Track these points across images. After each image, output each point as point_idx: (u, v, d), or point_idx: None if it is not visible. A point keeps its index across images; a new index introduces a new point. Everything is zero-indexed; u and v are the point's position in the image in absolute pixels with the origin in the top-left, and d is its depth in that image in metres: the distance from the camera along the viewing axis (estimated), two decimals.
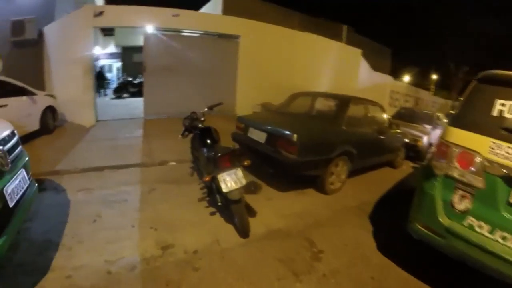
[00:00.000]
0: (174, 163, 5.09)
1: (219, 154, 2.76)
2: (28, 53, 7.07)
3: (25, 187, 2.44)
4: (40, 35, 6.98)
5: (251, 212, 3.18)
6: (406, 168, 6.63)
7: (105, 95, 15.04)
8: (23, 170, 2.49)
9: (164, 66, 7.58)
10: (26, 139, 5.59)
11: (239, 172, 2.75)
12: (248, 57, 8.20)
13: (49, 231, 2.88)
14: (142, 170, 4.71)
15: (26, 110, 5.55)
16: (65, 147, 5.57)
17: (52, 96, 6.57)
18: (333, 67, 9.47)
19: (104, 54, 19.40)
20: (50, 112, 6.36)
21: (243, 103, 8.32)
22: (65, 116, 7.50)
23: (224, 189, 2.65)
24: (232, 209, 2.79)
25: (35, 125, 5.85)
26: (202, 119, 3.73)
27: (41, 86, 7.40)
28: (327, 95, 5.46)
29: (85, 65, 6.83)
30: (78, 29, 6.70)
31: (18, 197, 2.28)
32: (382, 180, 5.35)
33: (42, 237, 2.76)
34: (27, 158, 2.69)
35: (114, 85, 15.24)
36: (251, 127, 4.38)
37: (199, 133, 3.47)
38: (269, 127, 4.09)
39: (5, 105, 4.93)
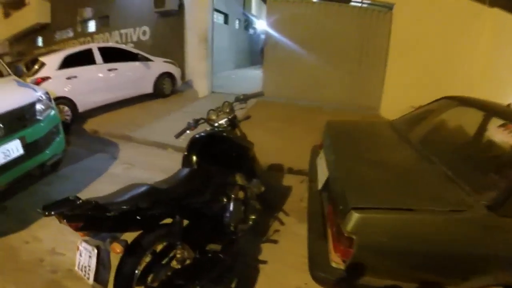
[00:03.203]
0: None
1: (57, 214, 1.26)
2: (171, 23, 8.33)
3: (14, 156, 2.85)
4: (181, 6, 7.99)
5: None
6: None
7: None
8: (18, 140, 2.90)
9: (291, 39, 7.10)
10: (140, 99, 6.86)
11: (93, 256, 1.39)
12: (405, 36, 6.40)
13: (61, 192, 3.33)
14: None
15: (138, 74, 6.57)
16: (161, 113, 6.25)
17: (171, 63, 7.46)
18: None
19: None
20: (167, 77, 7.28)
21: (393, 100, 6.52)
22: (192, 83, 8.41)
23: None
24: None
25: (148, 89, 6.91)
26: (229, 116, 2.40)
27: (182, 54, 8.52)
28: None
29: (201, 35, 7.40)
30: None
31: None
32: None
33: (48, 195, 3.33)
34: (30, 130, 3.06)
35: None
36: (325, 148, 2.67)
37: (193, 141, 2.15)
38: (333, 165, 2.22)
39: (116, 69, 6.01)
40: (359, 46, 6.71)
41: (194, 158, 1.99)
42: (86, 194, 3.32)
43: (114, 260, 1.47)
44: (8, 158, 2.78)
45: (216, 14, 10.79)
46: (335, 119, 3.23)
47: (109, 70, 5.92)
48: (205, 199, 1.91)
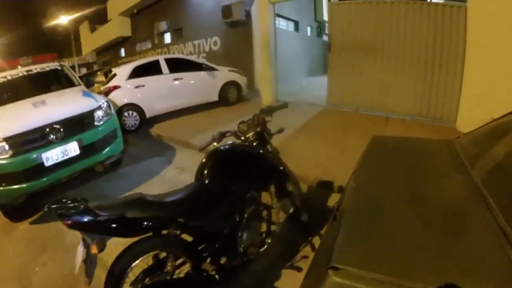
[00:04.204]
0: None
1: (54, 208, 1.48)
2: (239, 32, 8.71)
3: (71, 155, 3.33)
4: (248, 15, 8.22)
5: None
6: None
7: None
8: (75, 142, 3.35)
9: (356, 44, 6.65)
10: (206, 106, 7.18)
11: (81, 251, 1.57)
12: (487, 34, 5.26)
13: (115, 189, 3.73)
14: None
15: (202, 83, 6.91)
16: (223, 121, 6.40)
17: (237, 71, 7.67)
18: None
19: None
20: (233, 86, 7.50)
21: (473, 112, 5.30)
22: (260, 91, 8.49)
23: None
24: None
25: (213, 97, 7.19)
26: (257, 129, 2.21)
27: (251, 62, 8.70)
28: None
29: (264, 42, 7.38)
30: (259, 6, 7.21)
31: (58, 160, 3.23)
32: None
33: (104, 190, 3.80)
34: (87, 134, 3.50)
35: None
36: (357, 171, 2.00)
37: (210, 154, 2.05)
38: (349, 196, 1.67)
39: (181, 78, 6.45)
40: (431, 48, 5.88)
41: (206, 172, 1.90)
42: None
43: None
44: (66, 157, 3.26)
45: (286, 22, 10.79)
46: (382, 135, 2.66)
47: (175, 79, 6.36)
48: (209, 217, 1.80)
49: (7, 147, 3.01)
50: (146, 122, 6.22)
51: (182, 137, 5.49)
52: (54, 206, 1.46)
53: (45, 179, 3.13)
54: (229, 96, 7.42)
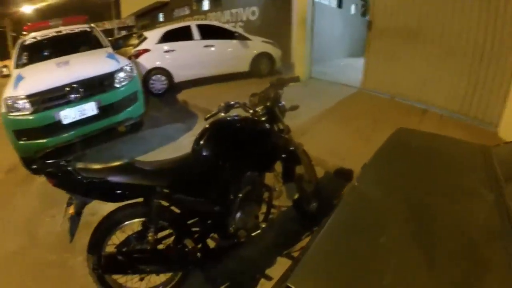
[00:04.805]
0: None
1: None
2: (278, 4, 8.40)
3: (88, 115, 3.37)
4: None
5: None
6: None
7: None
8: (94, 102, 3.38)
9: (398, 26, 6.03)
10: (237, 77, 6.92)
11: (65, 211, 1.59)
12: None
13: (131, 151, 3.82)
14: None
15: (234, 52, 6.69)
16: (250, 93, 6.13)
17: (271, 43, 7.34)
18: None
19: None
20: (265, 58, 7.17)
21: None
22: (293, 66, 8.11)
23: None
24: None
25: (244, 67, 6.93)
26: (267, 103, 2.04)
27: (288, 36, 8.30)
28: None
29: (300, 16, 6.90)
30: None
31: (76, 119, 3.29)
32: None
33: (121, 150, 3.89)
34: (106, 95, 3.50)
35: None
36: (365, 166, 1.68)
37: (211, 125, 1.89)
38: (344, 199, 1.40)
39: (212, 46, 6.30)
40: (480, 41, 5.02)
41: (203, 142, 1.76)
42: (149, 156, 3.59)
43: None
44: (83, 116, 3.31)
45: None
46: (408, 128, 2.20)
47: (206, 46, 6.24)
48: (196, 192, 1.71)
49: (28, 104, 3.13)
50: (174, 87, 6.20)
51: (206, 105, 5.38)
52: (43, 164, 1.48)
53: (62, 136, 3.22)
54: (260, 67, 7.09)
